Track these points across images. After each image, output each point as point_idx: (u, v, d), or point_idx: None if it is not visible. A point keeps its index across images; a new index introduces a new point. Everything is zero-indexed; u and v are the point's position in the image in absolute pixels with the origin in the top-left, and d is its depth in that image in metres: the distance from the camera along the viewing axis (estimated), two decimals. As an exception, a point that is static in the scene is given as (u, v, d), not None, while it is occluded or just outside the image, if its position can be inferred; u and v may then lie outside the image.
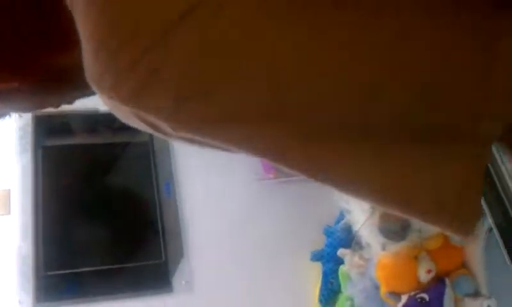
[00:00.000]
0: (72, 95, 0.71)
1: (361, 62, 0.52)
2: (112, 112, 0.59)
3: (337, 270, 2.72)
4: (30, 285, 2.71)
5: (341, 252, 2.63)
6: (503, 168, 1.61)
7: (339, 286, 2.73)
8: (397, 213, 0.58)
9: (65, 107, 0.73)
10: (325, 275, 2.80)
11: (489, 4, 0.55)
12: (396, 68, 0.52)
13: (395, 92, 0.52)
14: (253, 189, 3.00)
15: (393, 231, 2.08)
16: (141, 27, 0.51)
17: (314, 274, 2.87)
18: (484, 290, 2.18)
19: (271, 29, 0.51)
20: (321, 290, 2.81)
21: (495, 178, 1.64)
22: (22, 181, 2.80)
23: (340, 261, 2.67)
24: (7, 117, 0.73)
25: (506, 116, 0.53)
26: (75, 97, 0.71)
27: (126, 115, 0.58)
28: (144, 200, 2.94)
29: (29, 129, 2.87)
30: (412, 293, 2.26)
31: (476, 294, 2.21)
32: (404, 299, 2.27)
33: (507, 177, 1.62)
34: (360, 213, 2.18)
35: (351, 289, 2.59)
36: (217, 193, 2.97)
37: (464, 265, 2.25)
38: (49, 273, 2.79)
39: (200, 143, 0.58)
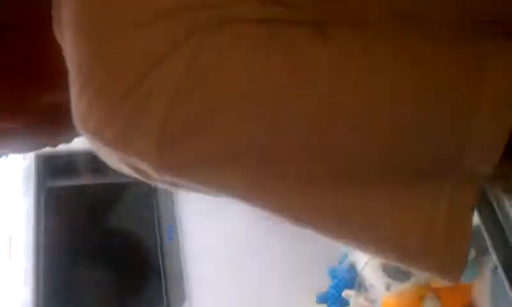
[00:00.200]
0: (67, 134, 0.71)
1: (353, 104, 0.51)
2: (97, 153, 0.59)
3: (342, 309, 2.69)
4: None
5: (346, 293, 2.59)
6: (506, 207, 1.59)
7: (345, 328, 2.69)
8: (393, 262, 0.57)
9: (70, 146, 0.74)
10: (330, 316, 2.76)
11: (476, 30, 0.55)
12: (386, 105, 0.51)
13: (385, 130, 0.51)
14: (256, 230, 2.97)
15: (397, 270, 2.04)
16: (122, 71, 0.51)
17: (320, 314, 2.83)
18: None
19: (252, 71, 0.51)
20: (327, 331, 2.77)
21: (500, 217, 1.62)
22: (24, 225, 2.79)
23: (346, 303, 2.64)
24: (3, 157, 0.74)
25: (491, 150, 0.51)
26: (71, 136, 0.71)
27: (110, 158, 0.58)
28: (147, 243, 2.93)
29: (33, 170, 2.88)
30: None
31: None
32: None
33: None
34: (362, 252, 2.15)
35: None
36: (219, 236, 2.95)
37: (471, 304, 2.21)
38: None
39: (185, 187, 0.59)
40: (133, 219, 2.97)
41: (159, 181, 0.57)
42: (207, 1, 0.51)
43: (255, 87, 0.50)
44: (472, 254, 1.87)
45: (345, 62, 0.51)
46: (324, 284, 2.83)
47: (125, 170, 0.59)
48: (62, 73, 0.59)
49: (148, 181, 0.60)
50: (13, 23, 0.64)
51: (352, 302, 2.55)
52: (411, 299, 2.20)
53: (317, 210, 0.55)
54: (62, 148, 0.74)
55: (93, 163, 2.95)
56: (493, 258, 1.74)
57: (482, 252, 1.87)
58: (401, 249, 0.55)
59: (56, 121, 0.68)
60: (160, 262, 2.92)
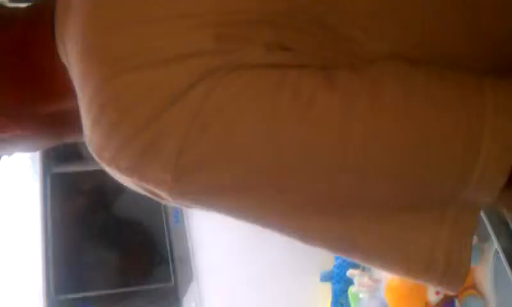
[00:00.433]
0: (73, 136, 0.75)
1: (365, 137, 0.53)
2: (111, 175, 0.62)
3: (347, 290, 2.72)
4: (41, 310, 2.73)
5: (350, 272, 2.63)
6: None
7: (349, 305, 2.73)
8: (398, 274, 0.60)
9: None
10: (334, 296, 2.80)
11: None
12: (394, 148, 0.53)
13: (392, 168, 0.54)
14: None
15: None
16: (138, 106, 0.54)
17: (324, 294, 2.86)
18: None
19: (259, 116, 0.53)
20: (331, 310, 2.81)
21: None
22: (32, 208, 2.82)
23: (350, 282, 2.67)
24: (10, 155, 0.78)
25: (492, 183, 0.53)
26: (77, 136, 0.74)
27: (126, 181, 0.61)
28: (154, 226, 2.96)
29: (38, 157, 2.90)
30: (420, 314, 2.25)
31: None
32: (413, 319, 2.27)
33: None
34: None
35: (361, 310, 2.59)
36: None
37: (473, 286, 2.24)
38: (59, 297, 2.80)
39: (198, 208, 0.61)
40: (140, 203, 2.99)
41: (173, 203, 0.60)
42: (218, 47, 0.54)
43: (261, 130, 0.53)
44: (474, 240, 1.90)
45: (352, 108, 0.53)
46: (329, 262, 2.87)
47: (141, 191, 0.62)
48: (68, 85, 0.62)
49: (163, 202, 0.62)
50: (22, 43, 0.67)
51: (356, 281, 2.58)
52: (414, 280, 2.22)
53: (325, 233, 0.58)
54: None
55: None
56: (494, 244, 1.78)
57: (484, 238, 1.90)
58: (405, 270, 0.58)
59: (62, 126, 0.72)
60: (168, 244, 2.94)
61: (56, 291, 2.80)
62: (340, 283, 2.77)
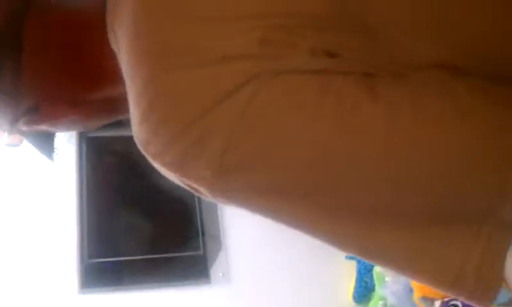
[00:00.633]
0: (116, 118, 0.79)
1: (419, 154, 0.53)
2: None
3: (371, 269, 2.74)
4: (74, 272, 2.82)
5: (376, 252, 2.64)
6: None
7: (373, 285, 2.76)
8: (426, 285, 0.61)
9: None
10: (359, 274, 2.83)
11: None
12: (436, 161, 0.54)
13: (434, 182, 0.54)
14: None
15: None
16: (185, 104, 0.56)
17: (349, 271, 2.89)
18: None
19: (301, 121, 0.54)
20: (355, 287, 2.84)
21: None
22: (67, 172, 2.89)
23: (375, 261, 2.69)
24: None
25: None
26: (126, 116, 0.78)
27: (168, 174, 0.62)
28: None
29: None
30: (445, 299, 2.27)
31: (510, 304, 2.20)
32: (437, 304, 2.28)
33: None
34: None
35: (384, 290, 2.61)
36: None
37: (499, 276, 2.24)
38: (92, 261, 2.89)
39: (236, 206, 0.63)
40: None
41: (211, 199, 0.62)
42: (265, 51, 0.55)
43: (304, 135, 0.54)
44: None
45: (395, 119, 0.53)
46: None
47: (182, 185, 0.64)
48: (118, 71, 0.64)
49: (202, 197, 0.64)
50: (75, 33, 0.70)
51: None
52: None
53: (357, 239, 0.59)
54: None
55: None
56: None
57: None
58: (435, 283, 0.59)
59: (113, 108, 0.76)
60: (198, 214, 2.99)
61: (89, 255, 2.89)
62: (365, 262, 2.79)
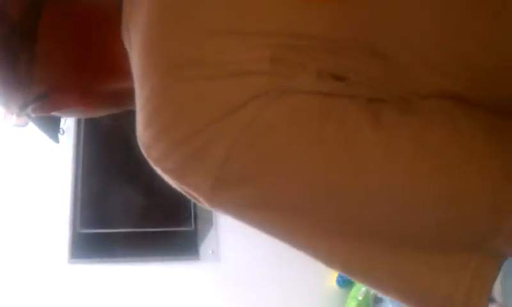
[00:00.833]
0: (122, 109, 0.80)
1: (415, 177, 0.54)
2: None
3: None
4: (65, 241, 2.84)
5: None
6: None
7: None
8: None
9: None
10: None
11: None
12: (430, 192, 0.54)
13: (426, 213, 0.55)
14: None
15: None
16: (192, 112, 0.56)
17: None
18: (498, 297, 2.21)
19: (303, 141, 0.55)
20: (339, 273, 2.86)
21: None
22: (63, 141, 2.89)
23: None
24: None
25: None
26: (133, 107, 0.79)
27: (168, 179, 0.63)
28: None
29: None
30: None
31: (490, 300, 2.23)
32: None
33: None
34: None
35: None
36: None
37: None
38: (83, 231, 2.92)
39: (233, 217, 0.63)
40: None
41: (209, 208, 0.62)
42: (274, 70, 0.55)
43: (303, 155, 0.55)
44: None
45: (394, 150, 0.54)
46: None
47: (181, 191, 0.64)
48: (128, 68, 0.65)
49: (198, 204, 0.65)
50: (90, 28, 0.71)
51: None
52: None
53: (349, 260, 0.59)
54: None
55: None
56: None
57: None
58: (421, 306, 0.60)
59: (121, 100, 0.76)
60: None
61: (80, 225, 2.91)
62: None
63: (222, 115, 0.55)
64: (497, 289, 2.19)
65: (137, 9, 0.63)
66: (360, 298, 2.81)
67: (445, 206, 0.55)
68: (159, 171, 0.61)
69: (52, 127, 0.84)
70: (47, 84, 0.71)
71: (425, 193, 0.54)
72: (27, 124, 0.82)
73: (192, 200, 0.64)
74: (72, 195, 2.89)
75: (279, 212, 0.58)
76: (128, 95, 0.67)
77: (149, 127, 0.59)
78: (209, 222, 2.98)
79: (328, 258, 0.60)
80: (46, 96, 0.72)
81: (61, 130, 0.88)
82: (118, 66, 0.70)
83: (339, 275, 2.89)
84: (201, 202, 0.62)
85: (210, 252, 2.99)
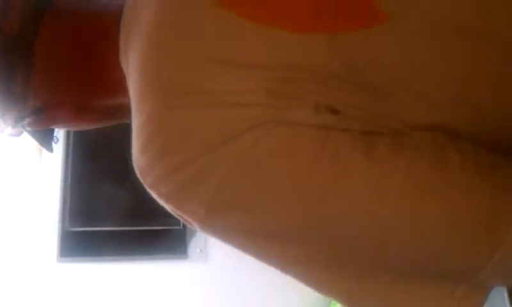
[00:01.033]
0: (118, 122, 0.81)
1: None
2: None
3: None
4: (54, 240, 2.84)
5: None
6: None
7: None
8: None
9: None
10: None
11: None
12: (417, 228, 0.56)
13: (414, 243, 0.56)
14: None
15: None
16: (187, 140, 0.57)
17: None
18: None
19: (296, 173, 0.56)
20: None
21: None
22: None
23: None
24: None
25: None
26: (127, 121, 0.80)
27: (162, 202, 0.64)
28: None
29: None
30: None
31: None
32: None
33: None
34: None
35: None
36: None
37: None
38: (72, 229, 2.91)
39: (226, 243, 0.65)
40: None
41: (202, 232, 0.64)
42: (271, 102, 0.56)
43: (295, 186, 0.56)
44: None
45: (384, 185, 0.55)
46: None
47: (174, 214, 0.66)
48: (124, 85, 0.66)
49: (191, 228, 0.66)
50: (88, 45, 0.71)
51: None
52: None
53: (334, 290, 0.61)
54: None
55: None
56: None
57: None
58: None
59: (115, 115, 0.78)
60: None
61: (69, 224, 2.90)
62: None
63: (217, 144, 0.56)
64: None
65: (136, 33, 0.64)
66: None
67: (431, 242, 0.56)
68: (153, 194, 0.62)
69: (46, 137, 0.85)
70: (43, 98, 0.72)
71: (412, 229, 0.55)
72: (21, 134, 0.83)
73: (184, 223, 0.65)
74: (61, 193, 2.89)
75: (269, 238, 0.59)
76: (124, 111, 0.68)
77: (144, 153, 0.60)
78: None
79: (316, 285, 0.62)
80: (41, 110, 0.72)
81: (54, 138, 0.89)
82: (114, 83, 0.71)
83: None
84: (193, 226, 0.63)
85: (199, 251, 3.00)
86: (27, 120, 0.73)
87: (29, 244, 2.79)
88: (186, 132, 0.57)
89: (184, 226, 3.00)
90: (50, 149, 0.86)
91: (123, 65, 0.67)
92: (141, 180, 0.62)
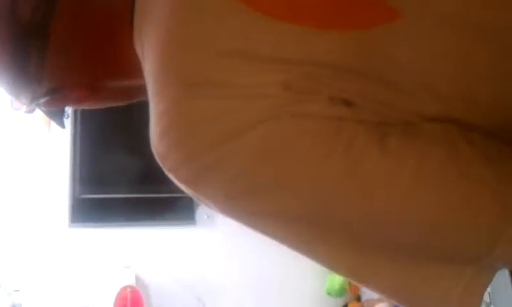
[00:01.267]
0: (131, 100, 0.82)
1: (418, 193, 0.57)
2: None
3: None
4: (65, 207, 2.92)
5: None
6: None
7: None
8: None
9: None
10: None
11: None
12: (429, 215, 0.58)
13: (426, 230, 0.59)
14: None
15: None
16: (207, 128, 0.58)
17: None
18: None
19: (310, 164, 0.58)
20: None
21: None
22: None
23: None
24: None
25: None
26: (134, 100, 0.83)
27: (180, 185, 0.65)
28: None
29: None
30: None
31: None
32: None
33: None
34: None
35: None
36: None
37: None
38: (83, 196, 2.98)
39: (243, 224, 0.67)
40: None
41: (221, 213, 0.65)
42: (287, 95, 0.58)
43: (309, 175, 0.58)
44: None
45: (397, 174, 0.57)
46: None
47: (192, 196, 0.67)
48: (138, 67, 0.67)
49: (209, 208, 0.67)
50: (103, 27, 0.72)
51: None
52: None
53: (353, 267, 0.64)
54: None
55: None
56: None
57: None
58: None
59: (129, 95, 0.80)
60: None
61: (80, 191, 2.98)
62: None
63: (235, 134, 0.57)
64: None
65: (151, 19, 0.65)
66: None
67: (442, 229, 0.59)
68: (172, 177, 0.63)
69: (58, 114, 0.87)
70: (58, 79, 0.73)
71: (423, 216, 0.58)
72: (35, 110, 0.86)
73: (203, 204, 0.66)
74: (70, 161, 2.95)
75: (285, 221, 0.61)
76: (139, 90, 0.70)
77: (163, 140, 0.61)
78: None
79: (329, 265, 0.65)
80: (56, 91, 0.74)
81: (65, 114, 0.93)
82: (128, 64, 0.71)
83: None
84: (211, 207, 0.64)
85: (206, 217, 3.06)
86: (42, 100, 0.74)
87: (42, 211, 2.86)
88: (204, 121, 0.58)
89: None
90: (62, 125, 0.88)
91: (138, 49, 0.68)
92: (160, 164, 0.63)
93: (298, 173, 0.58)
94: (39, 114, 2.80)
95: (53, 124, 2.90)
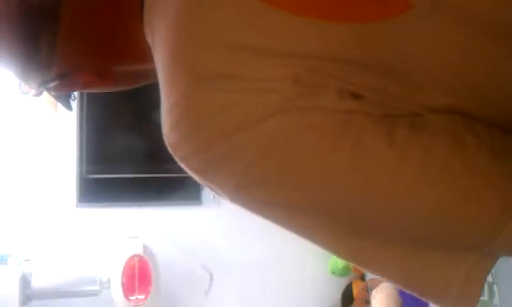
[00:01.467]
0: (138, 84, 0.84)
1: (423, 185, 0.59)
2: None
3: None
4: (73, 187, 2.96)
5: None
6: None
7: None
8: (416, 294, 0.69)
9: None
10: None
11: None
12: (434, 206, 0.60)
13: (429, 221, 0.60)
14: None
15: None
16: (218, 120, 0.60)
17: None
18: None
19: (317, 158, 0.59)
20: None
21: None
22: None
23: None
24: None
25: None
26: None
27: (191, 173, 0.66)
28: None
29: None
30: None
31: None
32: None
33: None
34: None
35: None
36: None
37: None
38: (90, 176, 3.02)
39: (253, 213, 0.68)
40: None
41: (231, 202, 0.66)
42: (296, 89, 0.58)
43: (316, 167, 0.59)
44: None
45: (404, 166, 0.58)
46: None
47: (202, 183, 0.68)
48: (146, 53, 0.69)
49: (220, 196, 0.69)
50: (112, 14, 0.72)
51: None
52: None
53: (358, 253, 0.66)
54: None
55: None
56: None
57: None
58: (421, 293, 0.67)
59: (137, 80, 0.81)
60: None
61: (87, 171, 3.01)
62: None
63: (247, 125, 0.58)
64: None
65: (160, 12, 0.66)
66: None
67: (446, 219, 0.60)
68: (183, 166, 0.64)
69: (65, 97, 0.87)
70: (68, 64, 0.73)
71: (428, 207, 0.60)
72: (42, 94, 0.87)
73: (213, 191, 0.68)
74: (77, 142, 2.97)
75: (293, 211, 0.63)
76: (148, 75, 0.72)
77: (174, 131, 0.62)
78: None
79: (336, 252, 0.67)
80: (66, 76, 0.74)
81: (72, 96, 0.92)
82: (138, 49, 0.72)
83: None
84: (222, 196, 0.65)
85: (212, 197, 3.07)
86: (51, 85, 0.76)
87: (50, 192, 2.90)
88: (214, 114, 0.59)
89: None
90: (69, 108, 0.86)
91: (148, 37, 0.69)
92: (172, 154, 0.64)
93: (307, 167, 0.59)
94: (45, 96, 2.83)
95: (60, 105, 2.92)
